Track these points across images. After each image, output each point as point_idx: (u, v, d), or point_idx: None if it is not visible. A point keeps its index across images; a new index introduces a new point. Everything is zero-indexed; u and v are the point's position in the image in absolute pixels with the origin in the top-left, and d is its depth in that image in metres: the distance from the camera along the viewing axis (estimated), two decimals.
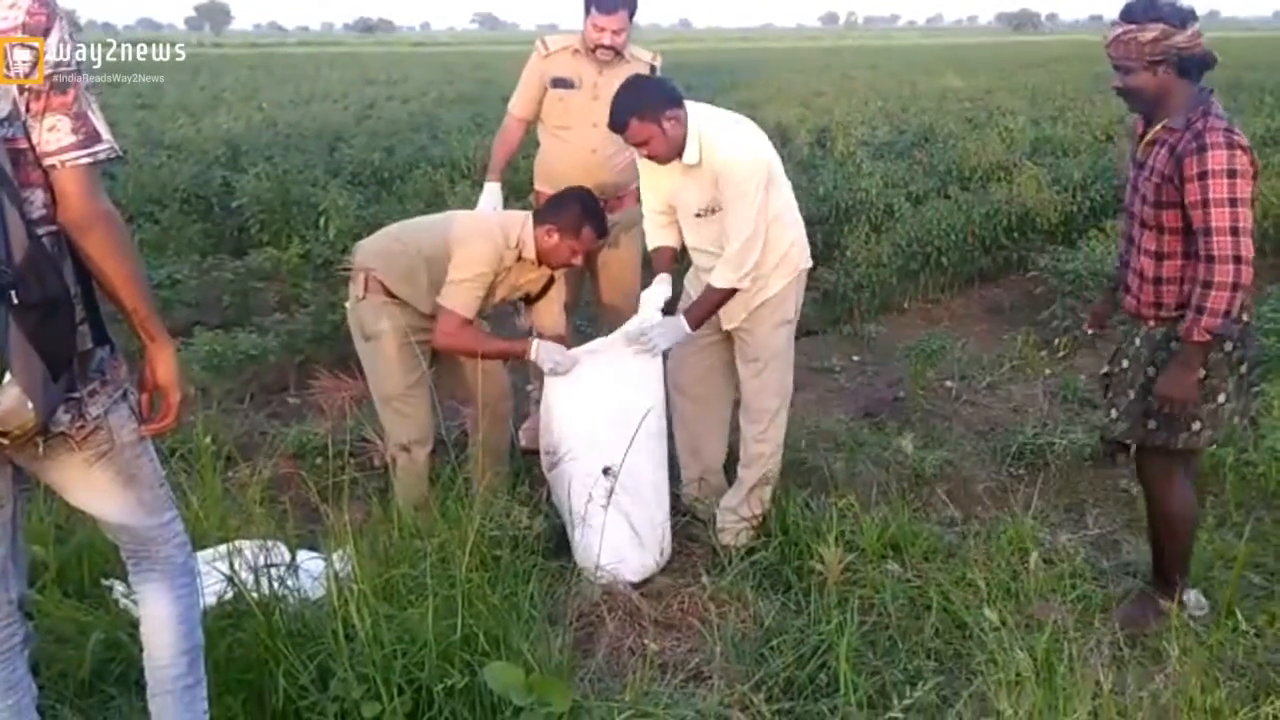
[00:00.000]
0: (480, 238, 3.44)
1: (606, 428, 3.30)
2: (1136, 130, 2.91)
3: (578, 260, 3.63)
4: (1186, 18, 2.65)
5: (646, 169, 3.47)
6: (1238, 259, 2.59)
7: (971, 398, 5.02)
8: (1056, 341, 5.70)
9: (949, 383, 5.12)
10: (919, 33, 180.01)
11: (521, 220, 3.54)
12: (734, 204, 3.24)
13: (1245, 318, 2.75)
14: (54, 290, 1.71)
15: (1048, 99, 15.93)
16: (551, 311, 3.74)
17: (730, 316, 3.48)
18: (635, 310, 3.54)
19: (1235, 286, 2.60)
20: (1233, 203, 2.57)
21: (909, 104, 15.36)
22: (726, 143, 3.24)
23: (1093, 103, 14.34)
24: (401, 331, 3.43)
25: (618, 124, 3.25)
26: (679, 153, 3.27)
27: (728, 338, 3.56)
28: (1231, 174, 2.57)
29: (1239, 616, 2.79)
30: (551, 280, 3.71)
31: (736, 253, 3.27)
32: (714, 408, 3.70)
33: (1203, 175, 2.59)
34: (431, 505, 3.26)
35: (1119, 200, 7.57)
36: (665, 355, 3.50)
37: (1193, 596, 3.04)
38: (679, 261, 3.68)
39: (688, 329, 3.40)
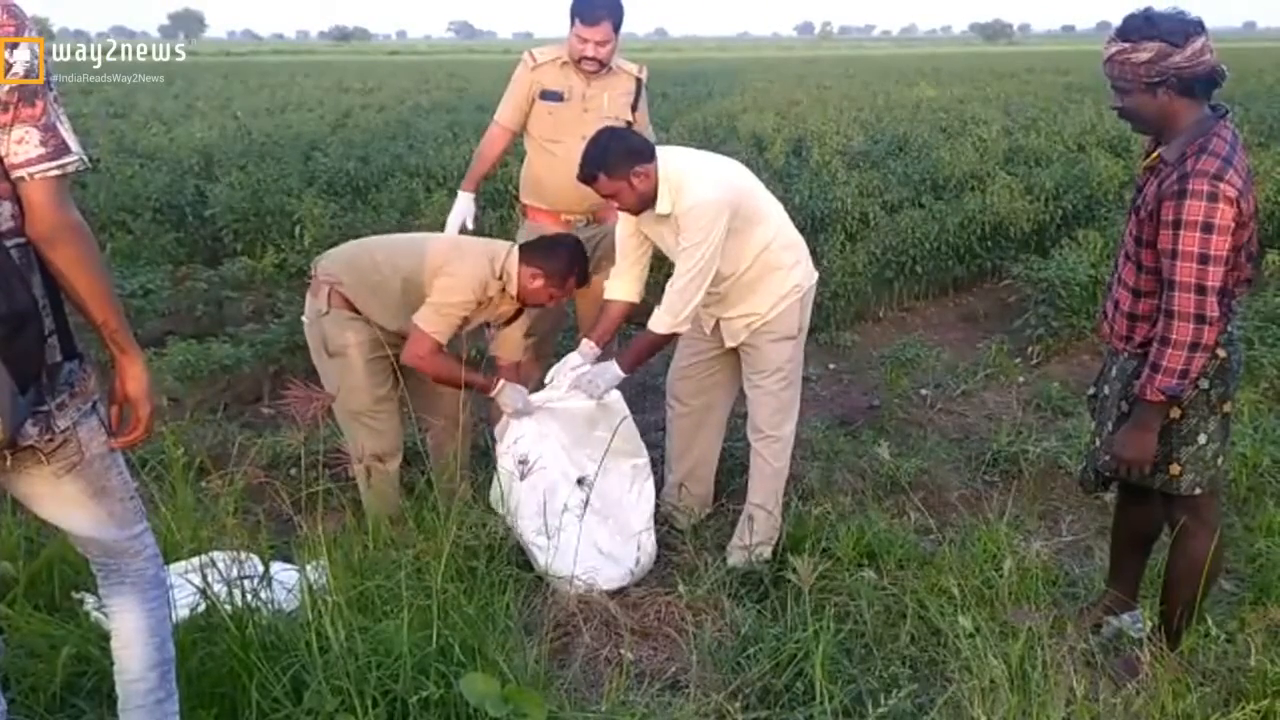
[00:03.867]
0: (470, 266, 3.40)
1: (571, 448, 3.36)
2: (1146, 149, 2.69)
3: (552, 304, 3.65)
4: (1190, 32, 2.41)
5: None
6: (1200, 318, 2.40)
7: (946, 406, 5.05)
8: (1030, 349, 5.75)
9: (924, 391, 5.15)
10: (893, 42, 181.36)
11: (507, 250, 3.50)
12: (685, 249, 3.24)
13: (1222, 353, 2.55)
14: (22, 303, 1.70)
15: (1020, 109, 16.04)
16: (513, 339, 3.76)
17: (733, 335, 3.49)
18: None
19: (1194, 346, 2.41)
20: (1203, 259, 2.37)
21: (884, 113, 15.43)
22: (691, 190, 3.22)
23: (1065, 112, 14.47)
24: (367, 345, 3.40)
25: (585, 176, 3.25)
26: (649, 204, 3.27)
27: (731, 351, 3.56)
28: (1207, 228, 2.36)
29: (1210, 622, 2.81)
30: (520, 311, 3.70)
31: (676, 295, 3.29)
32: (708, 418, 3.71)
33: (1177, 224, 2.39)
34: (406, 516, 3.25)
35: (1091, 210, 7.67)
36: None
37: (1127, 618, 3.03)
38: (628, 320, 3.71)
39: (620, 373, 3.43)
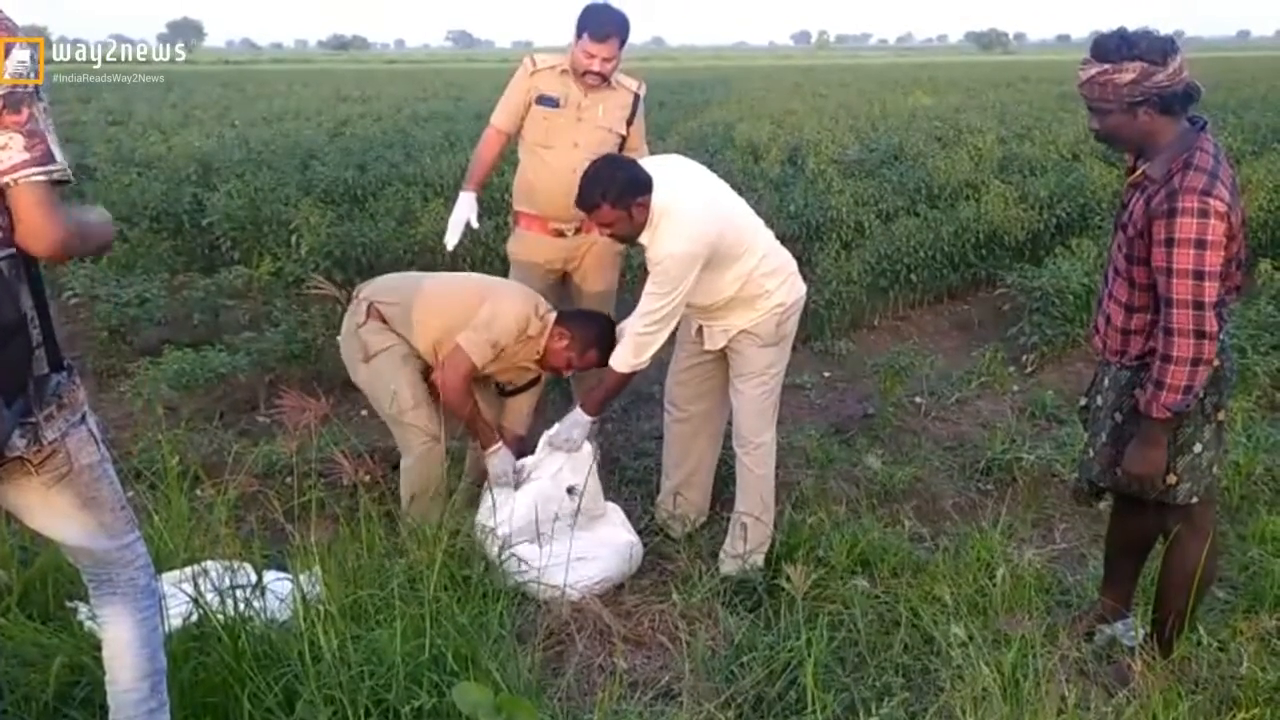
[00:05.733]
0: (517, 300, 3.50)
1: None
2: (1128, 165, 2.68)
3: (568, 372, 3.73)
4: (1167, 51, 2.40)
5: None
6: (1200, 334, 2.40)
7: (940, 414, 5.06)
8: (1024, 358, 5.76)
9: (918, 399, 5.16)
10: (890, 51, 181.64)
11: (549, 306, 3.61)
12: (651, 294, 3.24)
13: (1215, 362, 2.53)
14: (9, 317, 1.70)
15: (1015, 117, 16.07)
16: (521, 410, 3.80)
17: (713, 340, 3.49)
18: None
19: (1196, 362, 2.42)
20: (1198, 275, 2.37)
21: (879, 122, 15.45)
22: (666, 239, 3.19)
23: (1060, 121, 14.49)
24: (405, 345, 3.48)
25: (588, 204, 3.23)
26: (639, 234, 3.26)
27: (723, 356, 3.56)
28: (1200, 244, 2.35)
29: (1202, 631, 2.81)
30: (535, 381, 3.75)
31: (638, 338, 3.31)
32: (706, 425, 3.71)
33: (1170, 242, 2.38)
34: (442, 493, 3.30)
35: (1085, 219, 7.69)
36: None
37: (1120, 626, 3.04)
38: None
39: (587, 418, 3.47)
